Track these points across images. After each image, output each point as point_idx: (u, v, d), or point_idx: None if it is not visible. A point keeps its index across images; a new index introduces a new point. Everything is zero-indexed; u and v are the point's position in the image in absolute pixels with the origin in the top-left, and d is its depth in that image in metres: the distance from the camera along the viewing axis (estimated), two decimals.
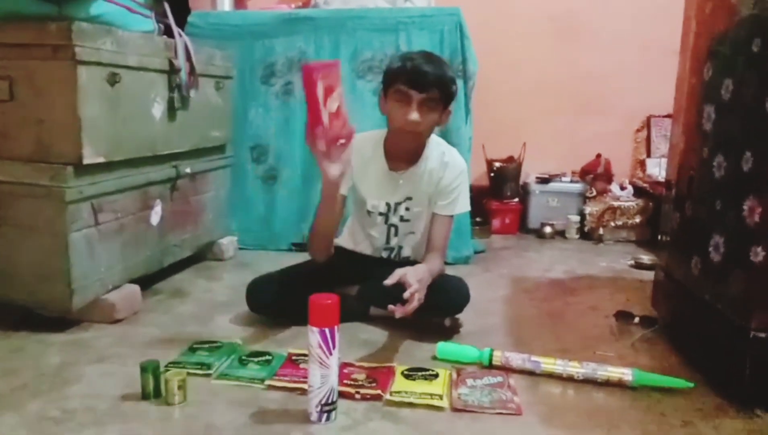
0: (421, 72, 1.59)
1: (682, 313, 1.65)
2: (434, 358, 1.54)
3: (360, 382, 1.36)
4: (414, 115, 1.60)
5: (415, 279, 1.48)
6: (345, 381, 1.35)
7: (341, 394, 1.27)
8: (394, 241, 1.83)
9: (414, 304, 1.46)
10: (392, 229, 1.81)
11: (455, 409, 1.29)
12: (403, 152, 1.73)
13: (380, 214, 1.79)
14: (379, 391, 1.33)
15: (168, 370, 1.35)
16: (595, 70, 3.22)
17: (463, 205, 1.79)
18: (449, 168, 1.75)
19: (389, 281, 1.48)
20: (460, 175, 1.77)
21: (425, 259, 1.73)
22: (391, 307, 1.48)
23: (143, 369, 1.29)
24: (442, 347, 1.56)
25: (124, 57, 1.72)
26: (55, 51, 1.55)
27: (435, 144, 1.77)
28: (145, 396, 1.29)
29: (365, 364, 1.47)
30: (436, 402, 1.30)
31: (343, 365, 1.42)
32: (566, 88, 3.27)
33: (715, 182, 1.43)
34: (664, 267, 1.77)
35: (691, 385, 1.38)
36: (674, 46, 1.78)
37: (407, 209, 1.78)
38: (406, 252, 1.86)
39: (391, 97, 1.64)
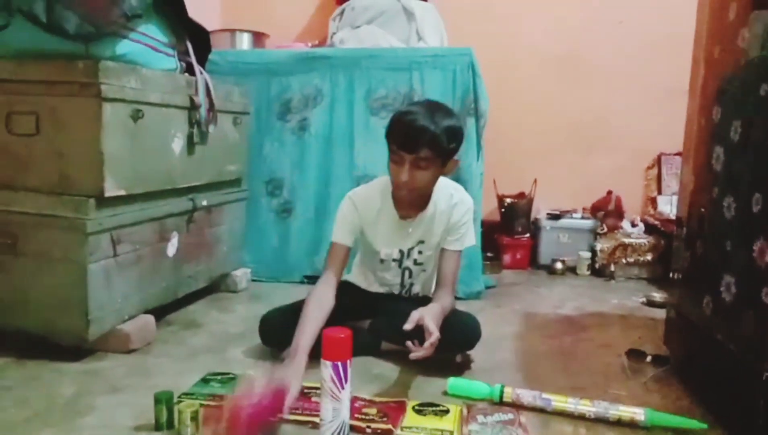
0: (413, 133, 1.55)
1: (694, 353, 1.64)
2: (445, 393, 1.55)
3: (371, 417, 1.36)
4: (403, 176, 1.60)
5: (433, 324, 1.49)
6: (356, 415, 1.35)
7: (352, 428, 1.28)
8: (407, 282, 1.86)
9: (431, 351, 1.47)
10: (406, 272, 1.84)
11: None
12: (410, 201, 1.73)
13: (394, 260, 1.81)
14: (390, 426, 1.33)
15: (181, 401, 1.36)
16: (605, 107, 3.26)
17: (470, 238, 1.81)
18: (457, 207, 1.76)
19: (408, 326, 1.47)
20: (468, 211, 1.78)
21: (436, 295, 1.74)
22: (409, 343, 1.48)
23: (157, 400, 1.31)
24: (453, 383, 1.56)
25: (147, 94, 1.77)
26: (82, 88, 1.60)
27: (442, 187, 1.77)
28: (158, 427, 1.30)
29: (376, 399, 1.48)
30: None
31: (354, 399, 1.42)
32: (577, 125, 3.31)
33: (726, 222, 1.44)
34: (676, 305, 1.77)
35: (704, 426, 1.37)
36: (683, 86, 1.80)
37: (420, 253, 1.80)
38: (416, 289, 1.88)
39: (390, 155, 1.64)
